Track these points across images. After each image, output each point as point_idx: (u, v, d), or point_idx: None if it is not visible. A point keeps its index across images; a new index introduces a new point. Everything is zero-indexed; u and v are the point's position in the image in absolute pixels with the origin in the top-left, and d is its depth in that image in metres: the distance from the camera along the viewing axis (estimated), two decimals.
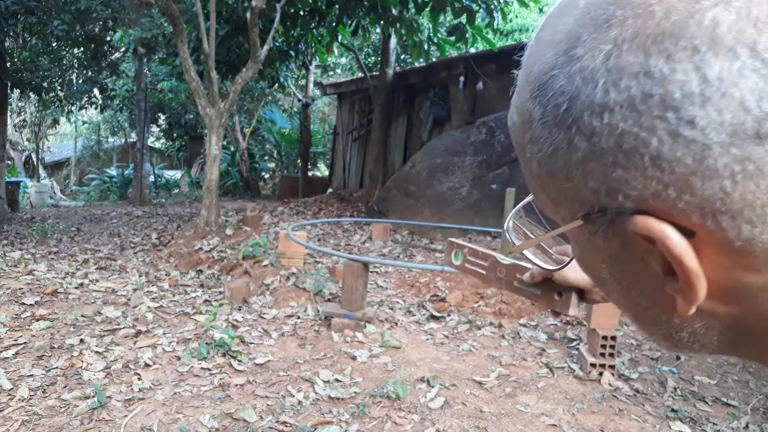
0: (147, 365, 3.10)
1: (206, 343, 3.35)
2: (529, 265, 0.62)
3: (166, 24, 9.41)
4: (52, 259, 5.86)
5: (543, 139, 0.34)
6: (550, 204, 0.38)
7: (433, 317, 4.09)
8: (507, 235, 0.53)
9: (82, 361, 3.10)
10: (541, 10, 16.51)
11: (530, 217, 0.53)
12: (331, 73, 17.91)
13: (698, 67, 0.28)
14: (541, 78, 0.34)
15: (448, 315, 4.13)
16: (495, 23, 7.65)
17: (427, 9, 7.69)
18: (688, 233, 0.31)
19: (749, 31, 0.27)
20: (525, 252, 0.51)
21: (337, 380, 2.99)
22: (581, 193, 0.34)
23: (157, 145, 20.63)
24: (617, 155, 0.30)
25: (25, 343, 3.33)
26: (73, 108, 14.26)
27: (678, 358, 3.48)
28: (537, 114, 0.34)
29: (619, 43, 0.30)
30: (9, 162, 14.29)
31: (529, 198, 0.50)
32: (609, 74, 0.30)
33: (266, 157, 17.72)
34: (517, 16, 15.87)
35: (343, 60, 17.28)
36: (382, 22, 8.39)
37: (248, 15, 6.65)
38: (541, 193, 0.39)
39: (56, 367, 3.02)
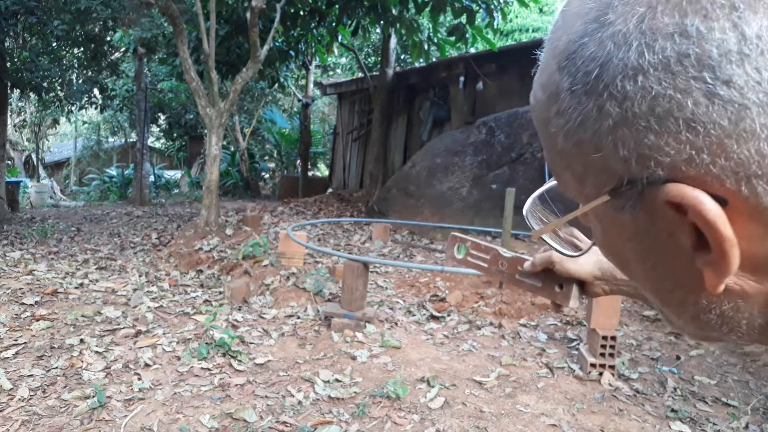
0: (147, 365, 3.10)
1: (206, 343, 3.35)
2: (529, 258, 0.62)
3: (166, 24, 9.41)
4: (52, 259, 5.86)
5: (571, 110, 0.33)
6: (574, 182, 0.37)
7: (433, 317, 4.09)
8: (527, 220, 0.51)
9: (82, 361, 3.10)
10: (541, 10, 16.52)
11: (545, 207, 0.52)
12: (331, 73, 17.92)
13: (736, 24, 0.27)
14: (570, 47, 0.33)
15: (448, 315, 4.13)
16: (495, 23, 7.66)
17: (427, 9, 7.69)
18: (721, 201, 0.30)
19: None
20: (545, 237, 0.50)
21: (337, 380, 2.99)
22: (610, 164, 0.33)
23: (157, 145, 20.64)
24: (650, 120, 0.30)
25: (25, 343, 3.33)
26: (73, 108, 14.27)
27: (678, 358, 3.48)
28: (565, 84, 0.33)
29: (654, 5, 0.29)
30: (9, 162, 14.29)
31: (547, 185, 0.49)
32: (643, 36, 0.29)
33: (266, 157, 17.72)
34: (517, 16, 15.88)
35: (343, 60, 17.28)
36: (382, 22, 8.40)
37: (248, 15, 6.65)
38: (565, 171, 0.37)
39: (56, 367, 3.02)
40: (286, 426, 2.52)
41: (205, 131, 7.56)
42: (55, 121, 19.12)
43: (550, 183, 0.48)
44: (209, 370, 3.09)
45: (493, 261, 0.64)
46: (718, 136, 0.28)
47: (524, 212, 0.51)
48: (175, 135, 18.71)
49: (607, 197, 0.34)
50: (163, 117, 17.91)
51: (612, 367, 3.14)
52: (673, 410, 2.81)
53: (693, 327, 0.38)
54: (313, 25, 8.90)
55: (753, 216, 0.30)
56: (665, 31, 0.29)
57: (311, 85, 13.70)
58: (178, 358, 3.21)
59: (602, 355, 3.14)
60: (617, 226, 0.36)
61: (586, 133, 0.33)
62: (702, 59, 0.28)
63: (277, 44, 9.18)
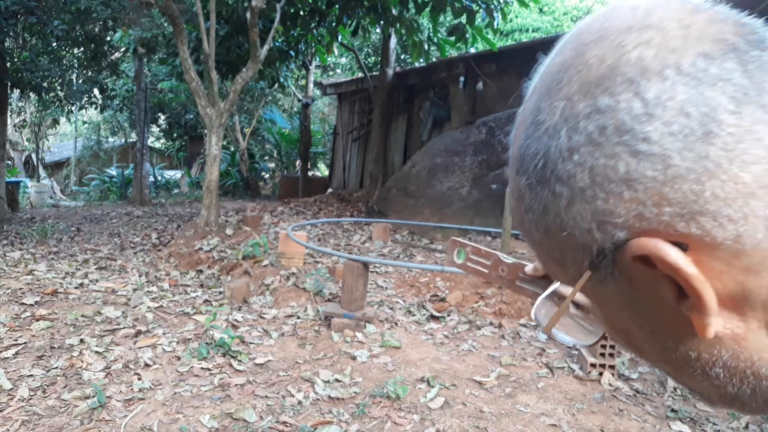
0: (147, 365, 3.10)
1: (206, 343, 3.35)
2: (530, 263, 0.62)
3: (166, 24, 9.41)
4: (52, 259, 5.86)
5: (533, 202, 0.37)
6: (559, 269, 0.40)
7: (433, 317, 4.09)
8: (535, 319, 0.53)
9: (82, 361, 3.10)
10: (541, 10, 16.53)
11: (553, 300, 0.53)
12: (331, 73, 17.92)
13: (637, 92, 0.32)
14: (520, 152, 0.38)
15: (448, 315, 4.13)
16: (495, 23, 7.65)
17: (427, 9, 7.69)
18: (682, 247, 0.32)
19: (670, 57, 0.32)
20: (555, 332, 0.51)
21: (337, 380, 2.99)
22: (579, 239, 0.36)
23: (157, 145, 20.63)
24: (595, 189, 0.33)
25: (25, 343, 3.33)
26: (73, 108, 14.27)
27: None
28: (524, 183, 0.38)
29: (570, 97, 0.35)
30: (9, 162, 14.29)
31: (553, 286, 0.52)
32: (567, 123, 0.34)
33: (266, 157, 17.72)
34: (517, 16, 15.88)
35: (343, 60, 17.28)
36: (382, 22, 8.39)
37: (248, 15, 6.65)
38: (549, 261, 0.40)
39: (56, 367, 3.02)
40: (286, 426, 2.52)
41: (205, 131, 7.56)
42: (55, 121, 19.11)
43: (556, 284, 0.52)
44: (209, 370, 3.09)
45: (494, 266, 0.64)
46: (654, 187, 0.32)
47: (533, 313, 0.53)
48: (175, 135, 18.70)
49: (588, 272, 0.37)
50: (163, 117, 17.90)
51: (612, 367, 3.14)
52: (673, 410, 2.81)
53: (710, 389, 0.38)
54: (313, 25, 8.90)
55: (713, 254, 0.32)
56: (583, 113, 0.34)
57: (311, 85, 13.69)
58: (178, 358, 3.21)
59: (602, 355, 3.14)
60: (607, 299, 0.39)
61: (550, 217, 0.36)
62: (618, 127, 0.32)
63: (277, 44, 9.18)
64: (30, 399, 2.67)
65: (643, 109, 0.32)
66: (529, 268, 0.61)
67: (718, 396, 0.39)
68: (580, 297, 0.49)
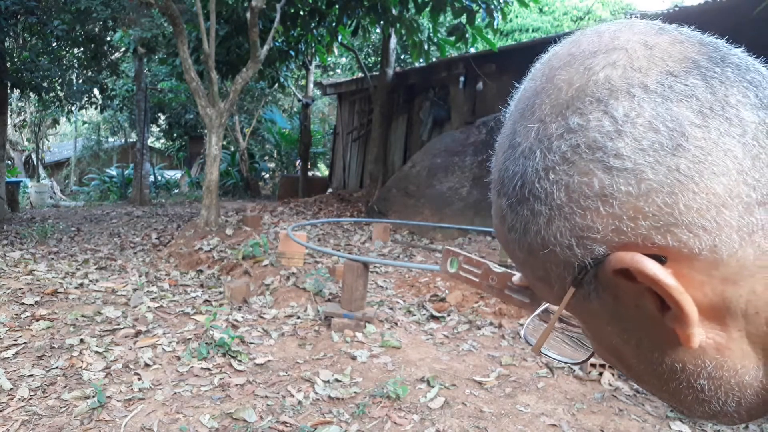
0: (147, 365, 3.10)
1: (206, 343, 3.35)
2: (518, 273, 0.62)
3: (166, 24, 9.41)
4: (52, 259, 5.86)
5: (515, 222, 0.38)
6: (544, 287, 0.40)
7: (433, 317, 4.09)
8: (525, 340, 0.54)
9: (82, 361, 3.10)
10: (541, 10, 16.53)
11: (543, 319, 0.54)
12: (331, 73, 17.91)
13: (606, 111, 0.33)
14: (500, 175, 0.40)
15: (448, 315, 4.13)
16: (495, 23, 7.65)
17: (427, 9, 7.69)
18: (660, 260, 0.33)
19: (636, 76, 0.34)
20: (545, 351, 0.51)
21: (337, 380, 2.99)
22: (559, 256, 0.36)
23: (157, 145, 20.63)
24: (572, 205, 0.34)
25: (25, 343, 3.33)
26: (73, 108, 14.27)
27: None
28: (505, 204, 0.39)
29: (543, 119, 0.36)
30: (9, 162, 14.29)
31: (543, 306, 0.53)
32: (541, 143, 0.36)
33: (266, 157, 17.72)
34: (517, 16, 15.88)
35: (343, 60, 17.27)
36: (382, 22, 8.39)
37: (248, 15, 6.65)
38: (534, 280, 0.41)
39: (56, 367, 3.02)
40: (286, 426, 2.52)
41: (205, 131, 7.56)
42: (55, 121, 19.11)
43: (546, 304, 0.53)
44: (209, 370, 3.09)
45: (484, 276, 0.65)
46: (629, 201, 0.33)
47: (522, 334, 0.54)
48: (175, 135, 18.70)
49: (572, 289, 0.37)
50: (163, 117, 17.90)
51: (612, 367, 3.13)
52: (673, 410, 2.81)
53: (694, 403, 0.38)
54: (313, 25, 8.90)
55: (692, 264, 0.33)
56: (556, 133, 0.35)
57: (311, 85, 13.69)
58: (178, 358, 3.21)
59: None
60: (592, 315, 0.39)
61: (530, 235, 0.37)
62: (590, 144, 0.33)
63: (277, 44, 9.18)
64: (30, 399, 2.67)
65: (613, 126, 0.33)
66: (516, 277, 0.62)
67: (702, 411, 0.39)
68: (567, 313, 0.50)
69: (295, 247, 4.86)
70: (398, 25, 8.32)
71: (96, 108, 13.01)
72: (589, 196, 0.34)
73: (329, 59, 13.94)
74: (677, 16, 6.11)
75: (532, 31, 16.14)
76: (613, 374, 3.12)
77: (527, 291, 0.62)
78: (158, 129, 19.38)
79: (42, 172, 18.31)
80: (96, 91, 12.11)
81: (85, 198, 14.65)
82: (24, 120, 18.41)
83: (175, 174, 17.52)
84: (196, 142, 17.66)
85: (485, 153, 7.29)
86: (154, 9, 8.08)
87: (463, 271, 0.67)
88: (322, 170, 18.26)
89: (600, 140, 0.33)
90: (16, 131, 18.77)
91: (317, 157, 17.58)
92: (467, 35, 7.89)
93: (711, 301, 0.33)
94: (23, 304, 4.05)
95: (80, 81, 11.67)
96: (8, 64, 8.95)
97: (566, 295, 0.38)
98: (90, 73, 11.57)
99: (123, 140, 19.34)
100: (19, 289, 4.38)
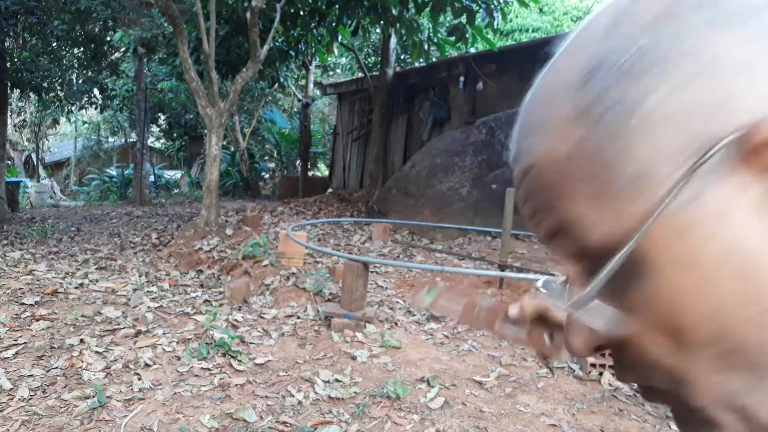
0: (147, 365, 3.10)
1: (206, 343, 3.35)
2: (514, 305, 0.53)
3: (166, 24, 9.41)
4: (52, 259, 5.86)
5: (614, 103, 0.29)
6: (608, 207, 0.30)
7: (433, 317, 4.09)
8: (539, 289, 0.42)
9: (82, 361, 3.10)
10: (541, 10, 16.53)
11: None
12: (331, 73, 17.92)
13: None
14: (596, 60, 0.31)
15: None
16: (495, 23, 7.65)
17: (427, 9, 7.69)
18: None
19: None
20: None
21: (337, 380, 2.99)
22: (678, 135, 0.28)
23: (157, 145, 20.63)
24: (711, 69, 0.28)
25: (25, 343, 3.33)
26: (73, 108, 14.27)
27: None
28: (598, 89, 0.30)
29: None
30: (9, 162, 14.29)
31: (549, 277, 0.41)
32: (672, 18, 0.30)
33: (266, 157, 17.72)
34: (517, 16, 15.88)
35: (343, 60, 17.28)
36: (382, 22, 8.39)
37: (248, 15, 6.64)
38: (597, 199, 0.30)
39: (56, 367, 3.02)
40: (286, 426, 2.52)
41: (205, 131, 7.56)
42: (55, 121, 19.11)
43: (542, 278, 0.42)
44: (209, 370, 3.09)
45: (467, 309, 0.57)
46: None
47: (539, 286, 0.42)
48: (175, 135, 18.70)
49: (682, 183, 0.27)
50: (163, 117, 17.91)
51: (612, 366, 3.13)
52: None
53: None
54: (313, 25, 8.90)
55: None
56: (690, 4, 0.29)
57: (311, 85, 13.69)
58: (178, 358, 3.21)
59: (602, 355, 3.13)
60: (686, 240, 0.27)
61: (642, 112, 0.29)
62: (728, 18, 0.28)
63: (277, 44, 9.18)
64: (30, 399, 2.67)
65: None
66: (512, 312, 0.52)
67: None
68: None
69: (295, 247, 4.86)
70: (398, 25, 8.32)
71: (96, 108, 13.01)
72: (732, 65, 0.27)
73: (329, 59, 13.95)
74: None
75: (532, 31, 16.15)
76: (613, 374, 3.12)
77: (524, 325, 0.53)
78: (158, 129, 19.39)
79: (42, 172, 18.31)
80: (96, 91, 12.12)
81: (85, 198, 14.65)
82: (24, 120, 18.41)
83: (175, 174, 17.53)
84: (196, 142, 17.66)
85: (485, 153, 7.29)
86: (154, 9, 8.08)
87: (442, 299, 0.58)
88: (322, 170, 18.26)
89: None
90: (16, 131, 18.78)
91: (317, 157, 17.58)
92: (467, 35, 7.89)
93: None
94: (23, 304, 4.04)
95: (80, 81, 11.68)
96: (8, 64, 8.95)
97: (672, 190, 0.27)
98: (90, 73, 11.58)
99: (123, 140, 19.34)
100: (19, 289, 4.38)
